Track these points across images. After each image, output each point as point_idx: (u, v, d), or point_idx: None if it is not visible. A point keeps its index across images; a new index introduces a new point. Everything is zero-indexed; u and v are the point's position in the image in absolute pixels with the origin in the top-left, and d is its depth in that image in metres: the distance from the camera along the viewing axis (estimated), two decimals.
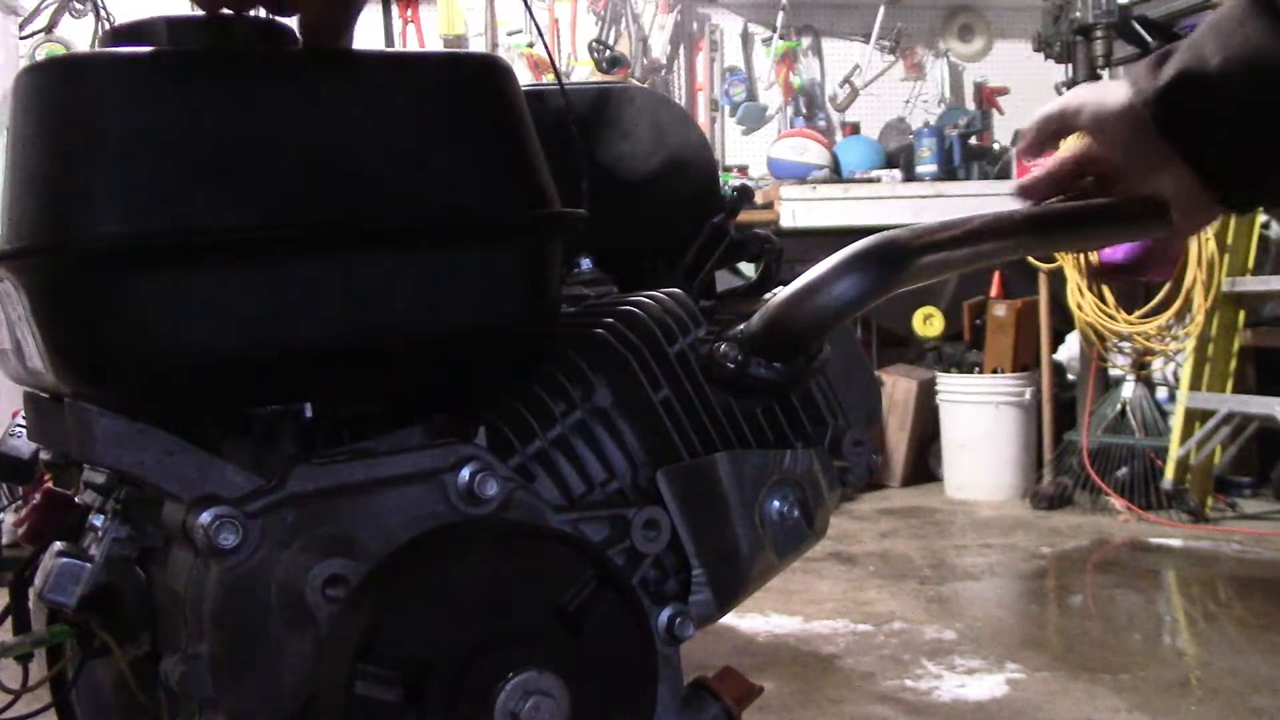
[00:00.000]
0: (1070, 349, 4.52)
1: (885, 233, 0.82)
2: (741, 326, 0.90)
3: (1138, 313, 4.04)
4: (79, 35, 4.89)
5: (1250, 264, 3.94)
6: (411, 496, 0.83)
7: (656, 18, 5.60)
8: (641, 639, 0.81)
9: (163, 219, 0.73)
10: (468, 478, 0.82)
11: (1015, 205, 0.92)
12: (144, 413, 0.78)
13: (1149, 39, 4.07)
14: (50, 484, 1.04)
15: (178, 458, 0.79)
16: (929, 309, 4.84)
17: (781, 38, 5.61)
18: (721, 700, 0.91)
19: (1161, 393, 4.26)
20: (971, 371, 4.59)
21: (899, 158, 5.22)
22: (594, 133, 1.18)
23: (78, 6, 4.88)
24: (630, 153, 1.20)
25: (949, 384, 4.53)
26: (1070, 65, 4.21)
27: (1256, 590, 3.31)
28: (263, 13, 0.83)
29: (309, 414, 0.85)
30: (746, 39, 5.73)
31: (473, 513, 0.83)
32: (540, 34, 2.16)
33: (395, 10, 5.38)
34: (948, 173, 5.03)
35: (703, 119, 5.55)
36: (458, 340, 0.83)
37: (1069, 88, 4.80)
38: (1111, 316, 4.07)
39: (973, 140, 5.20)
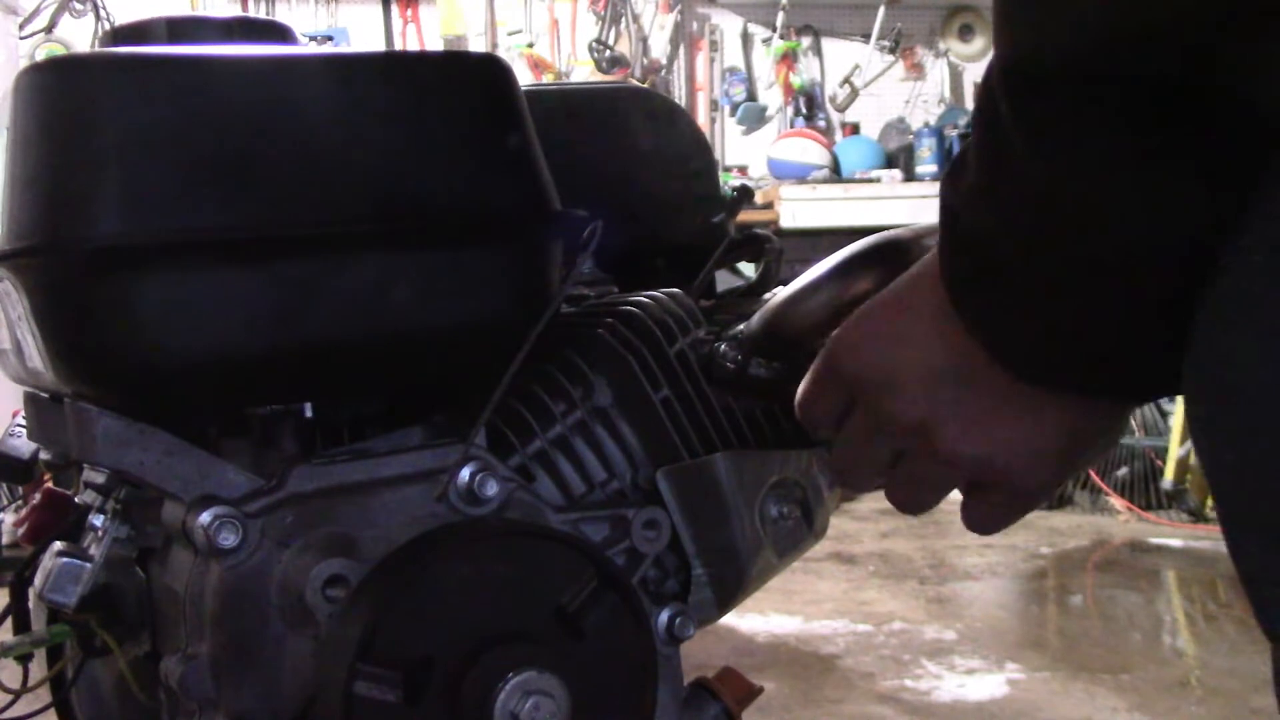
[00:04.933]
0: None
1: (885, 232, 0.82)
2: (741, 326, 0.90)
3: None
4: (79, 35, 4.90)
5: None
6: (411, 496, 0.83)
7: (656, 18, 5.59)
8: (641, 639, 0.81)
9: (162, 219, 0.73)
10: (468, 478, 0.82)
11: None
12: (144, 413, 0.78)
13: None
14: (50, 484, 1.04)
15: (178, 458, 0.79)
16: None
17: (781, 38, 5.61)
18: (721, 700, 0.91)
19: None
20: None
21: (899, 158, 5.22)
22: (594, 133, 1.18)
23: (78, 6, 4.88)
24: (630, 153, 1.20)
25: None
26: None
27: None
28: (262, 10, 0.83)
29: (309, 414, 0.85)
30: (746, 39, 5.73)
31: (473, 513, 0.83)
32: None
33: (395, 10, 5.38)
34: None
35: (703, 119, 5.54)
36: (457, 340, 0.83)
37: None
38: None
39: None
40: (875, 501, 4.50)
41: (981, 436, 0.57)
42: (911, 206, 4.69)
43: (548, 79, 5.30)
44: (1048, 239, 0.48)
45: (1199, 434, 0.46)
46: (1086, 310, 0.49)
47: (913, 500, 0.64)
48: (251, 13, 4.92)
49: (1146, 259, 0.47)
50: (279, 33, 0.91)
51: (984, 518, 0.62)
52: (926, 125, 5.31)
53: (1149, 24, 0.42)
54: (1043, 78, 0.45)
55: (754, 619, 3.00)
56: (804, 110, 5.63)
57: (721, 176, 4.87)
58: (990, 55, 0.51)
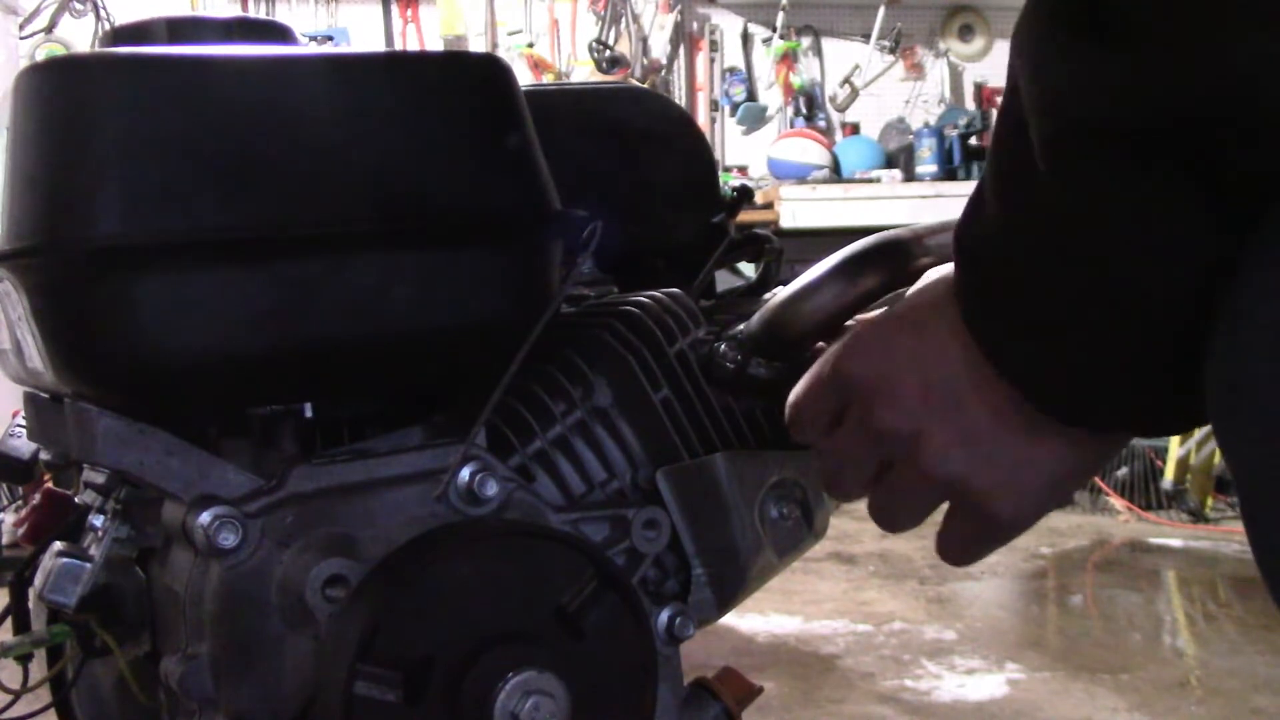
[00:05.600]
0: None
1: (885, 232, 0.82)
2: (741, 326, 0.90)
3: None
4: (79, 35, 4.90)
5: None
6: (411, 497, 0.83)
7: (656, 18, 5.59)
8: (641, 639, 0.81)
9: (162, 219, 0.73)
10: (467, 478, 0.82)
11: None
12: (144, 413, 0.78)
13: None
14: (50, 484, 1.04)
15: (178, 458, 0.79)
16: None
17: (781, 38, 5.61)
18: (721, 700, 0.91)
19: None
20: None
21: (899, 158, 5.22)
22: (594, 133, 1.18)
23: (78, 6, 4.88)
24: (629, 153, 1.20)
25: None
26: None
27: (1256, 590, 3.31)
28: (262, 10, 0.83)
29: (309, 414, 0.85)
30: (746, 39, 5.73)
31: (472, 513, 0.83)
32: None
33: (395, 10, 5.38)
34: (948, 173, 5.03)
35: (703, 119, 5.54)
36: (457, 340, 0.83)
37: None
38: None
39: (973, 140, 5.20)
40: None
41: (966, 454, 0.58)
42: (911, 206, 4.69)
43: (548, 79, 5.30)
44: (1070, 269, 0.49)
45: (1222, 437, 0.47)
46: (1103, 338, 0.50)
47: (893, 515, 0.65)
48: (251, 13, 4.92)
49: (1165, 280, 0.47)
50: (279, 33, 0.91)
51: (957, 546, 0.63)
52: (926, 125, 5.31)
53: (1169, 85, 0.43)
54: (1075, 133, 0.46)
55: (754, 619, 3.00)
56: (804, 110, 5.63)
57: (721, 176, 4.87)
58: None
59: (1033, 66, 0.47)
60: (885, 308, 0.66)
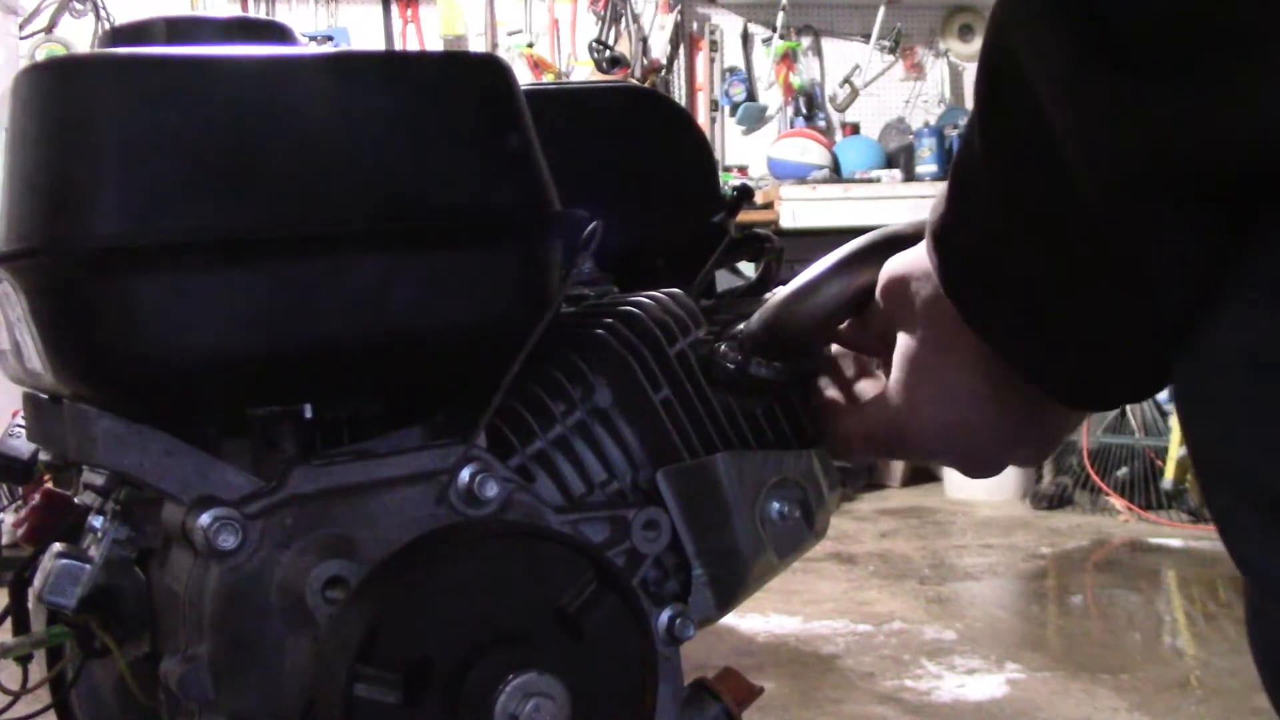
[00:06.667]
0: None
1: (884, 229, 0.82)
2: (741, 326, 0.90)
3: None
4: (79, 35, 4.90)
5: None
6: (411, 498, 0.83)
7: (656, 18, 5.60)
8: (642, 640, 0.81)
9: (162, 219, 0.73)
10: (467, 479, 0.82)
11: None
12: (144, 413, 0.78)
13: None
14: (50, 484, 1.04)
15: (177, 459, 0.79)
16: None
17: (781, 38, 5.61)
18: (721, 701, 0.91)
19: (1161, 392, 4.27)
20: None
21: (899, 158, 5.23)
22: (594, 133, 1.18)
23: (78, 6, 4.89)
24: (629, 153, 1.20)
25: None
26: None
27: None
28: (262, 10, 0.83)
29: (309, 414, 0.85)
30: (746, 39, 5.73)
31: (472, 514, 0.83)
32: None
33: (395, 10, 5.38)
34: (947, 173, 5.04)
35: (703, 119, 5.55)
36: (457, 340, 0.83)
37: None
38: None
39: None
40: (875, 502, 4.50)
41: (1036, 451, 0.73)
42: (911, 206, 4.70)
43: (548, 79, 5.31)
44: (1088, 278, 0.54)
45: (1180, 405, 0.51)
46: (1110, 335, 0.56)
47: None
48: (251, 13, 4.92)
49: (1175, 288, 0.51)
50: (279, 33, 0.91)
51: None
52: (926, 125, 5.32)
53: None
54: (1133, 181, 0.48)
55: (754, 619, 3.00)
56: (804, 110, 5.64)
57: (721, 176, 4.87)
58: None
59: (1071, 99, 0.46)
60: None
